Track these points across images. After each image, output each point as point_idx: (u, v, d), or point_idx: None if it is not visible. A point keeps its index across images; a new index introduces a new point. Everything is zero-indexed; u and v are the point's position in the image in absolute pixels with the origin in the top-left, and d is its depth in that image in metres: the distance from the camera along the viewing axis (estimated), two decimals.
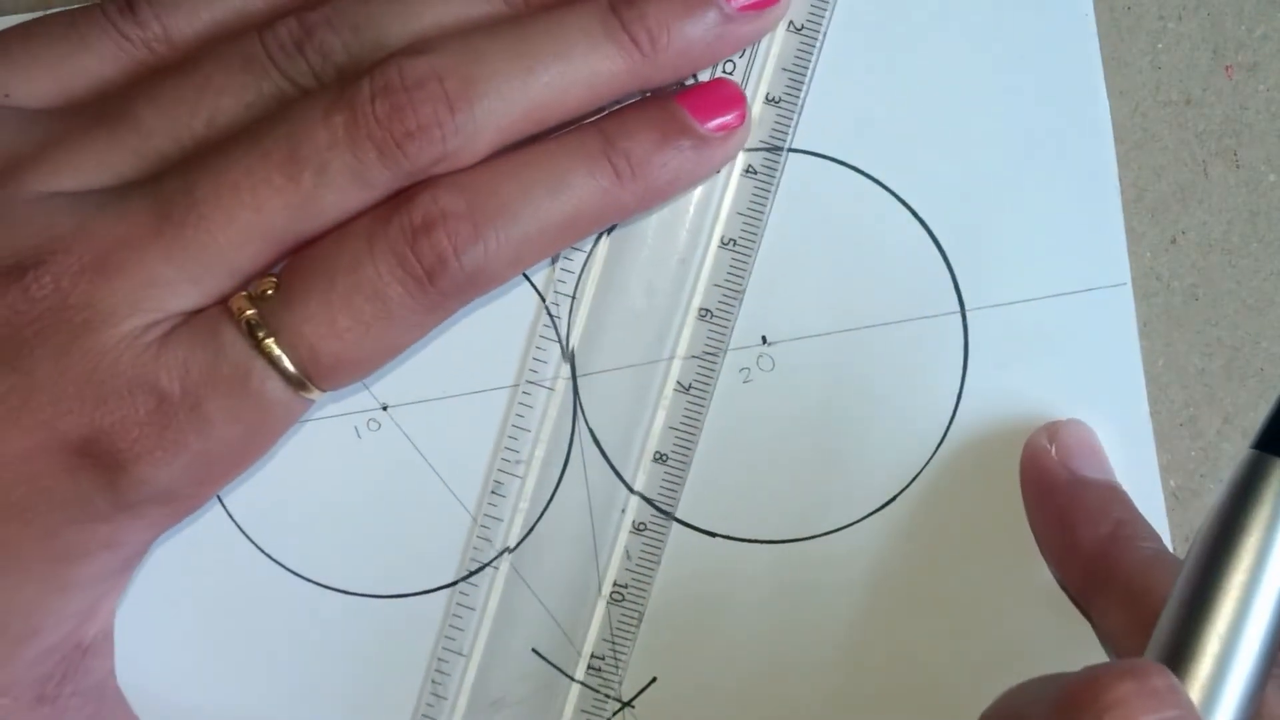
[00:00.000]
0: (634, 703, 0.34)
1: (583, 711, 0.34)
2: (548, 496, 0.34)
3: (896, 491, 0.34)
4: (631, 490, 0.34)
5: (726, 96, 0.31)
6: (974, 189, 0.34)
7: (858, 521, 0.34)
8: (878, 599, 0.34)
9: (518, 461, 0.34)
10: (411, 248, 0.29)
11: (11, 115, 0.30)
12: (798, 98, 0.33)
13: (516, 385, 0.34)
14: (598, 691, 0.34)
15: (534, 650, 0.34)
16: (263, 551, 0.34)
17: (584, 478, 0.34)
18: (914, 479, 0.34)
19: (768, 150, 0.33)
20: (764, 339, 0.34)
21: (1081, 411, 0.34)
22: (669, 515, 0.34)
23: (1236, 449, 0.34)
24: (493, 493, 0.34)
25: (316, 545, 0.34)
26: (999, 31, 0.33)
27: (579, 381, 0.34)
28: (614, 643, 0.34)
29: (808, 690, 0.34)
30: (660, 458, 0.34)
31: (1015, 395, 0.34)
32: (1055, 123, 0.34)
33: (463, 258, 0.29)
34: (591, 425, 0.34)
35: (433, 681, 0.34)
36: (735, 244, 0.33)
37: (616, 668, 0.34)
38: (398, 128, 0.28)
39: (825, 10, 0.33)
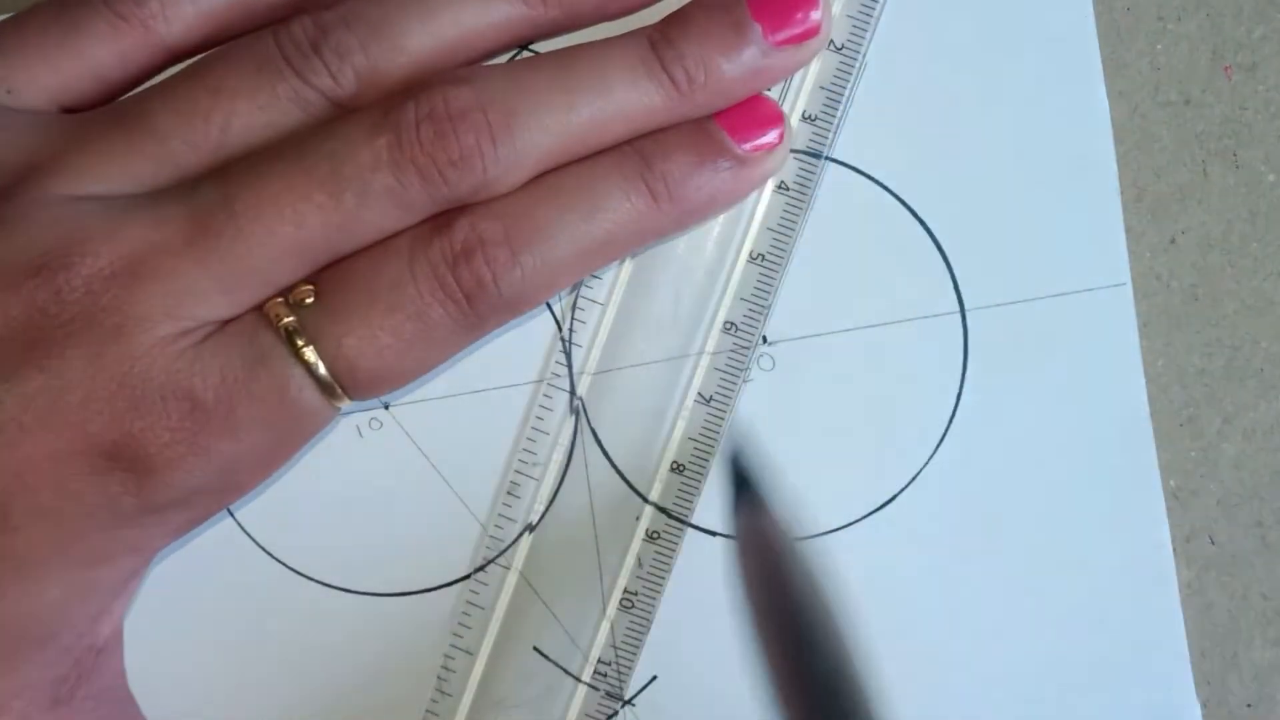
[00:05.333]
0: (634, 701, 0.34)
1: (586, 716, 0.34)
2: (561, 501, 0.34)
3: (896, 491, 0.34)
4: (646, 500, 0.34)
5: (765, 115, 0.31)
6: (974, 189, 0.34)
7: (857, 521, 0.34)
8: (876, 598, 0.34)
9: (535, 464, 0.34)
10: (451, 272, 0.29)
11: (26, 119, 0.30)
12: (835, 116, 0.33)
13: (518, 385, 0.34)
14: (600, 691, 0.34)
15: (541, 653, 0.34)
16: (264, 550, 0.34)
17: (597, 484, 0.34)
18: (914, 479, 0.34)
19: (802, 167, 0.33)
20: (764, 339, 0.34)
21: (1081, 411, 0.34)
22: (684, 524, 0.34)
23: (1236, 449, 0.34)
24: (508, 493, 0.34)
25: (318, 544, 0.34)
26: (998, 32, 0.33)
27: (596, 388, 0.34)
28: (622, 649, 0.34)
29: None
30: (678, 468, 0.34)
31: (1015, 395, 0.34)
32: (1055, 123, 0.34)
33: (500, 284, 0.29)
34: (609, 433, 0.34)
35: (439, 679, 0.34)
36: (764, 259, 0.34)
37: (622, 672, 0.34)
38: (441, 155, 0.29)
39: (867, 30, 0.33)
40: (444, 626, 0.34)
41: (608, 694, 0.34)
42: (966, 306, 0.34)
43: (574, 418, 0.34)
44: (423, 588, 0.34)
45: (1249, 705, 0.34)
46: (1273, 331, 0.34)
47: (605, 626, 0.34)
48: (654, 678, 0.34)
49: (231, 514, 0.34)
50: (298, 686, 0.34)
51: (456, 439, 0.34)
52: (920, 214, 0.34)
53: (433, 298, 0.29)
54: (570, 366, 0.34)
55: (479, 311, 0.30)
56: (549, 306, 0.34)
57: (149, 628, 0.34)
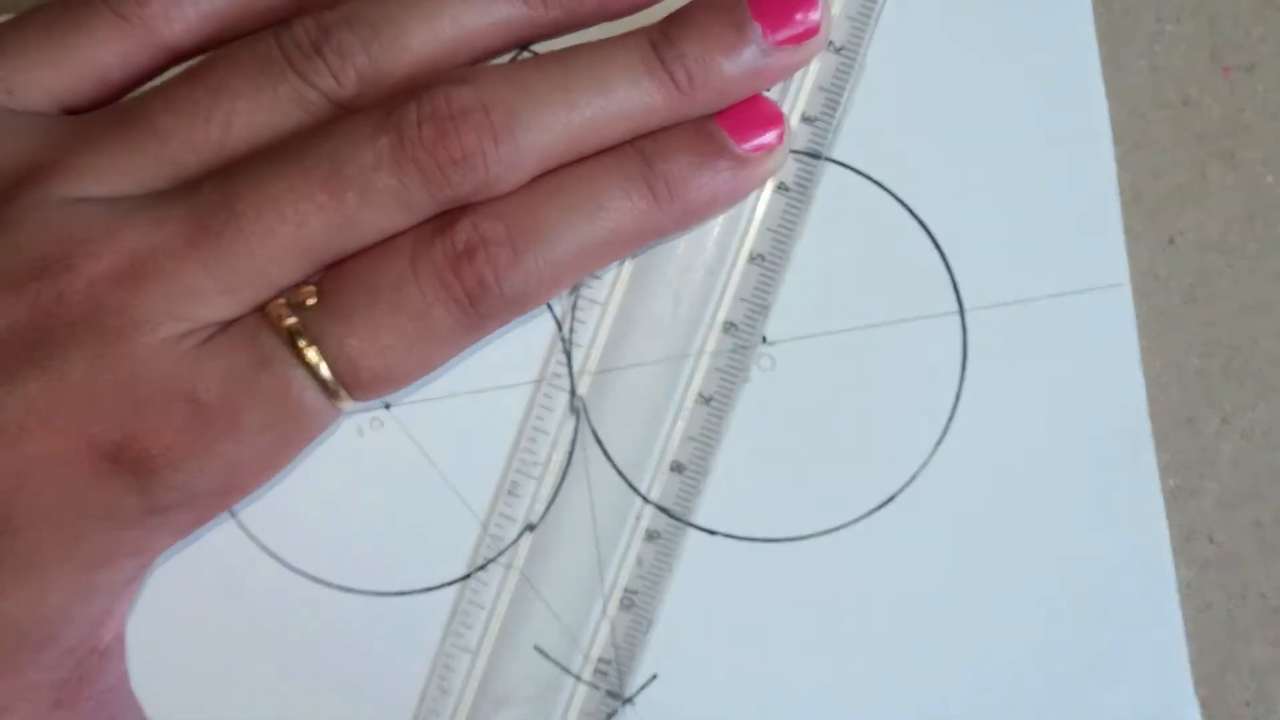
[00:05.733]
0: (634, 699, 0.34)
1: (586, 714, 0.34)
2: (562, 500, 0.34)
3: (896, 491, 0.34)
4: (646, 500, 0.34)
5: (765, 115, 0.31)
6: (974, 189, 0.34)
7: (856, 521, 0.34)
8: (876, 598, 0.34)
9: (535, 464, 0.34)
10: (454, 271, 0.29)
11: (27, 120, 0.30)
12: (834, 116, 0.33)
13: (518, 385, 0.34)
14: (600, 690, 0.34)
15: (542, 652, 0.34)
16: (264, 549, 0.34)
17: (598, 484, 0.34)
18: (913, 479, 0.34)
19: (802, 167, 0.33)
20: (764, 339, 0.34)
21: (1081, 411, 0.34)
22: (684, 524, 0.34)
23: (1235, 449, 0.34)
24: (508, 493, 0.34)
25: (318, 544, 0.34)
26: (998, 33, 0.34)
27: (596, 388, 0.34)
28: (623, 648, 0.34)
29: (806, 688, 0.34)
30: (678, 468, 0.34)
31: (1014, 395, 0.34)
32: (1054, 124, 0.34)
33: (503, 283, 0.29)
34: (609, 433, 0.34)
35: (439, 677, 0.34)
36: (764, 259, 0.34)
37: (623, 671, 0.34)
38: (442, 154, 0.29)
39: (867, 31, 0.33)
40: (444, 626, 0.34)
41: (608, 693, 0.34)
42: (966, 306, 0.34)
43: (574, 418, 0.34)
44: (423, 587, 0.34)
45: (1247, 705, 0.34)
46: (1272, 331, 0.34)
47: (605, 626, 0.34)
48: (654, 677, 0.34)
49: (232, 514, 0.34)
50: (298, 686, 0.34)
51: (456, 439, 0.34)
52: (920, 214, 0.34)
53: (435, 297, 0.29)
54: (570, 366, 0.34)
55: (481, 311, 0.30)
56: (549, 306, 0.34)
57: (150, 628, 0.34)
